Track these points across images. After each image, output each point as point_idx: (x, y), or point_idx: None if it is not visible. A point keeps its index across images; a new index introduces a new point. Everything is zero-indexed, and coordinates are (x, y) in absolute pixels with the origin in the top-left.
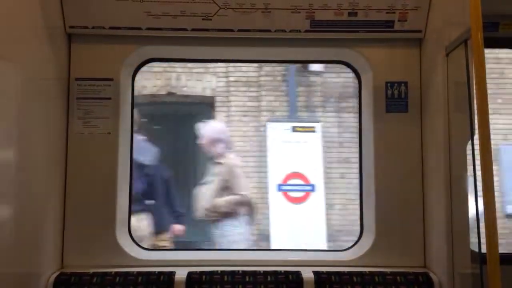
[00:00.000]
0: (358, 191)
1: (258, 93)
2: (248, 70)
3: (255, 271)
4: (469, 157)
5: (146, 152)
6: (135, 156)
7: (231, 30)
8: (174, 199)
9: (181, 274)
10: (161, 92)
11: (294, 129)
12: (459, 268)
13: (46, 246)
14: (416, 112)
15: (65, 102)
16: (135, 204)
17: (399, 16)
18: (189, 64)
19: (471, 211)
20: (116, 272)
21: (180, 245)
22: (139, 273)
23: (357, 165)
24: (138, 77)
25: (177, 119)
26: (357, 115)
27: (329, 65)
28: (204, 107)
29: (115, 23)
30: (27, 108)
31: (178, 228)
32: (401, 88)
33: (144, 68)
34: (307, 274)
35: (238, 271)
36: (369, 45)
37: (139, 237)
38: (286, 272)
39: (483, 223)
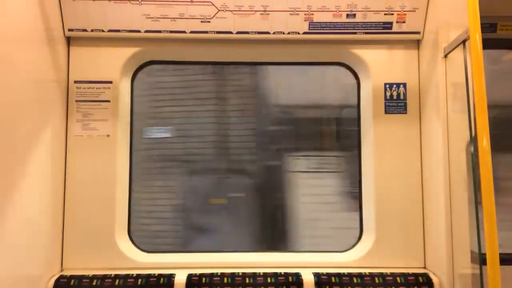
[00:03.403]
0: None
1: None
2: None
3: (255, 273)
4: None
5: None
6: None
7: (230, 32)
8: None
9: (181, 276)
10: None
11: None
12: (459, 268)
13: (46, 249)
14: (415, 113)
15: (64, 104)
16: None
17: (397, 18)
18: None
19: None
20: (115, 275)
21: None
22: (138, 275)
23: None
24: None
25: None
26: None
27: None
28: None
29: (114, 26)
30: (26, 111)
31: None
32: (400, 89)
33: None
34: (307, 275)
35: (238, 273)
36: (368, 46)
37: None
38: (286, 273)
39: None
